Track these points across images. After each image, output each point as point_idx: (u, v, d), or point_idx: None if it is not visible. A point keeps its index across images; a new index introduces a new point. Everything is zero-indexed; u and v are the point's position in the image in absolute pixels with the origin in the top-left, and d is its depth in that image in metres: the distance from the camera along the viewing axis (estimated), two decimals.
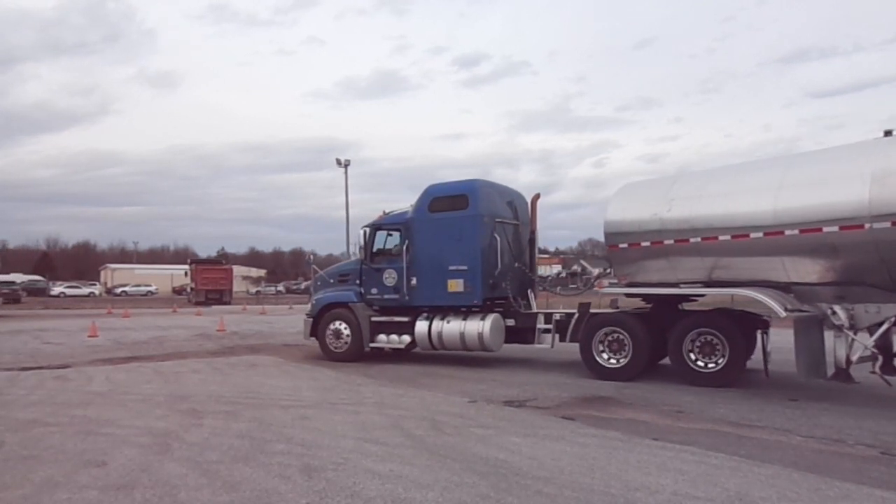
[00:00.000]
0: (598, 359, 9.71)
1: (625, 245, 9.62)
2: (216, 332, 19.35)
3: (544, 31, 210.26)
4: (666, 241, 9.04)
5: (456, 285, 10.92)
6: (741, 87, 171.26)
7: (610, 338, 9.68)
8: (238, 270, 64.82)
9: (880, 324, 7.38)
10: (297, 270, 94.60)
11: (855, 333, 7.45)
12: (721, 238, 8.44)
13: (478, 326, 10.74)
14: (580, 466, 5.10)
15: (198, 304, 42.26)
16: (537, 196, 12.11)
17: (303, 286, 72.33)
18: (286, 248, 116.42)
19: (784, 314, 7.65)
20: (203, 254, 78.38)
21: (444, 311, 11.27)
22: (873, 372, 7.60)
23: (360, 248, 12.03)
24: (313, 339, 12.59)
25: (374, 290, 11.89)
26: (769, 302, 7.81)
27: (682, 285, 9.04)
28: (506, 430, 6.40)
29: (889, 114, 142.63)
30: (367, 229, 12.08)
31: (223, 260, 57.74)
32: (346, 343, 12.04)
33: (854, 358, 7.42)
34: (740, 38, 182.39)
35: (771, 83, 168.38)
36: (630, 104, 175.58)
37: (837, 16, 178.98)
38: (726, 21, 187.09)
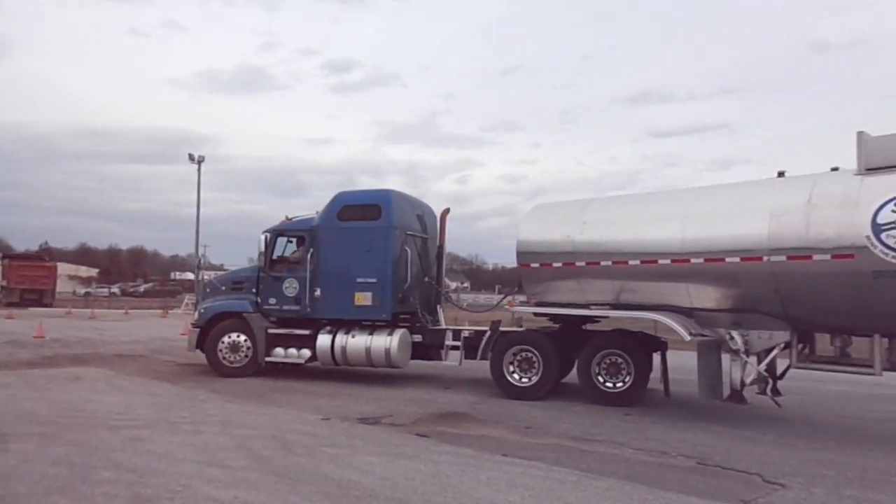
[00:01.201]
0: (508, 378, 9.69)
1: (536, 265, 9.75)
2: (33, 338, 17.05)
3: (417, 47, 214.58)
4: (577, 263, 9.22)
5: (364, 298, 10.53)
6: (594, 120, 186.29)
7: (520, 357, 9.70)
8: (64, 268, 57.91)
9: (770, 349, 8.02)
10: (135, 271, 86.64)
11: (748, 357, 8.06)
12: (631, 263, 8.71)
13: (385, 342, 10.39)
14: (433, 485, 5.13)
15: (10, 305, 37.02)
16: (447, 211, 12.05)
17: (142, 289, 66.39)
18: (124, 245, 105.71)
19: (689, 338, 8.06)
20: (21, 247, 69.07)
21: (348, 325, 10.81)
22: (762, 393, 8.40)
23: (259, 254, 11.27)
24: (199, 351, 11.56)
25: (272, 300, 11.19)
26: (675, 326, 8.14)
27: (591, 307, 9.31)
28: (359, 449, 6.28)
29: (712, 156, 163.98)
30: (268, 234, 11.35)
31: (46, 256, 51.24)
32: (245, 356, 11.16)
33: (747, 381, 8.02)
34: (596, 76, 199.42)
35: (619, 120, 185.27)
36: (494, 125, 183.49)
37: (675, 67, 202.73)
38: (585, 60, 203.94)
